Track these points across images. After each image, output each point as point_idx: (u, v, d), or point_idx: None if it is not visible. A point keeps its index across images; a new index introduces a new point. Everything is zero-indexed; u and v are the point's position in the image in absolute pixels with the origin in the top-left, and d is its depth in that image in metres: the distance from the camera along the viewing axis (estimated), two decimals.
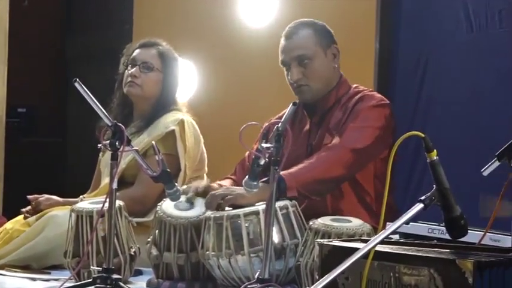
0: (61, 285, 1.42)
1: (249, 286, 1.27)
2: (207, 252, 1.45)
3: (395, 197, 1.66)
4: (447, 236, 1.17)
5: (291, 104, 1.32)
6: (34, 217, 1.79)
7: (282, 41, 1.65)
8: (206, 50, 2.53)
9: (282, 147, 1.27)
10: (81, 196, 1.88)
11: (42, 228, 1.74)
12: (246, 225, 1.42)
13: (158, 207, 1.55)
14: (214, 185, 1.62)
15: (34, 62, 3.22)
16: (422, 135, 1.11)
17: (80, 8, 3.39)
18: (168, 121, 1.85)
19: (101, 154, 1.96)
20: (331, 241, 1.26)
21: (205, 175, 1.91)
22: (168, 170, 1.45)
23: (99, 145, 1.39)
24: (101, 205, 1.39)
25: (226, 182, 1.69)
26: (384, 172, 1.57)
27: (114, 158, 1.35)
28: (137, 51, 1.90)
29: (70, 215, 1.58)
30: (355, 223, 1.42)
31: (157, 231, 1.54)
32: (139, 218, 1.73)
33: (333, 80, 1.66)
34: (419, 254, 1.12)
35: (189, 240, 1.50)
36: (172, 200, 1.51)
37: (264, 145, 1.28)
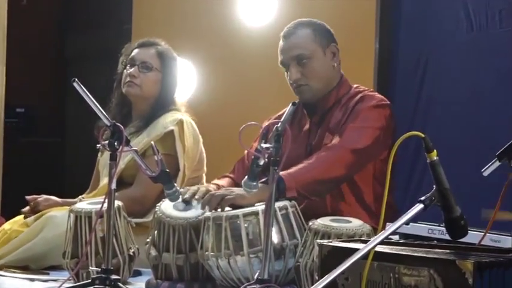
0: (60, 286, 1.42)
1: (248, 287, 1.26)
2: (206, 253, 1.45)
3: (395, 197, 1.66)
4: (447, 237, 1.17)
5: (291, 104, 1.31)
6: (33, 217, 1.79)
7: (281, 42, 1.65)
8: (205, 50, 2.53)
9: (282, 148, 1.27)
10: (79, 196, 1.87)
11: (41, 228, 1.74)
12: (246, 225, 1.42)
13: (157, 207, 1.55)
14: (213, 187, 1.60)
15: (33, 62, 3.22)
16: (423, 135, 1.11)
17: (79, 8, 3.38)
18: (167, 121, 1.84)
19: (99, 154, 1.95)
20: (330, 242, 1.26)
21: (204, 175, 1.91)
22: (167, 170, 1.44)
23: (98, 145, 1.38)
24: (100, 205, 1.38)
25: (224, 181, 1.69)
26: (383, 173, 1.57)
27: (113, 158, 1.35)
28: (136, 51, 1.90)
29: (69, 216, 1.57)
30: (354, 223, 1.42)
31: (156, 231, 1.53)
32: (138, 219, 1.72)
33: (333, 80, 1.65)
34: (419, 254, 1.11)
35: (188, 241, 1.50)
36: (172, 200, 1.50)
37: (264, 145, 1.27)
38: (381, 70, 2.13)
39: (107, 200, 1.35)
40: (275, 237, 1.40)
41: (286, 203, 1.46)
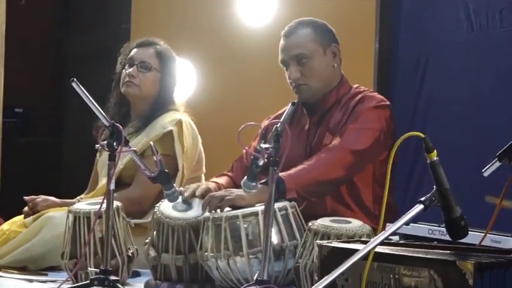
0: (58, 287, 1.41)
1: None
2: (206, 254, 1.44)
3: (395, 198, 1.65)
4: (447, 237, 1.17)
5: (290, 104, 1.31)
6: (31, 218, 1.78)
7: (281, 40, 1.64)
8: (204, 50, 2.52)
9: (281, 148, 1.26)
10: (78, 197, 1.87)
11: (39, 229, 1.73)
12: (245, 226, 1.41)
13: (156, 208, 1.54)
14: (212, 185, 1.60)
15: (31, 62, 3.21)
16: (423, 135, 1.11)
17: (77, 7, 3.38)
18: (165, 121, 1.84)
19: (98, 154, 1.95)
20: (330, 242, 1.26)
21: (203, 175, 1.90)
22: (166, 170, 1.43)
23: (97, 145, 1.37)
24: (99, 206, 1.37)
25: (223, 179, 1.68)
26: (383, 173, 1.57)
27: (112, 158, 1.34)
28: (135, 50, 1.89)
29: (67, 216, 1.57)
30: (354, 224, 1.41)
31: (155, 232, 1.53)
32: (137, 219, 1.72)
33: (333, 80, 1.65)
34: (419, 255, 1.11)
35: (187, 242, 1.49)
36: (171, 201, 1.50)
37: (263, 145, 1.27)
38: (381, 70, 2.13)
39: (105, 201, 1.34)
40: (275, 238, 1.39)
41: (285, 203, 1.45)
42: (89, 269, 1.46)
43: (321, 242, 1.27)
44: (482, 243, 1.20)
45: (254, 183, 1.33)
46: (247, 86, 2.46)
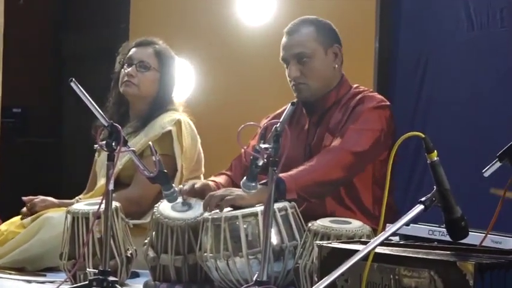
0: None
1: None
2: (205, 254, 1.44)
3: (395, 198, 1.65)
4: (448, 238, 1.17)
5: (290, 104, 1.31)
6: (29, 219, 1.77)
7: (284, 38, 1.64)
8: (203, 49, 2.52)
9: (281, 148, 1.26)
10: (76, 197, 1.86)
11: (38, 230, 1.73)
12: (245, 226, 1.41)
13: (155, 208, 1.54)
14: (211, 183, 1.59)
15: (29, 62, 3.20)
16: (423, 135, 1.10)
17: (76, 7, 3.37)
18: (164, 121, 1.83)
19: (96, 154, 1.94)
20: (330, 243, 1.25)
21: (202, 176, 1.89)
22: (165, 170, 1.43)
23: (95, 146, 1.37)
24: (97, 206, 1.37)
25: (221, 179, 1.68)
26: (383, 174, 1.57)
27: (111, 158, 1.34)
28: (134, 50, 1.89)
29: (66, 217, 1.56)
30: (354, 225, 1.41)
31: (154, 232, 1.52)
32: (136, 220, 1.71)
33: (333, 80, 1.65)
34: (420, 256, 1.11)
35: (186, 242, 1.49)
36: (170, 201, 1.49)
37: (262, 146, 1.26)
38: (381, 70, 2.12)
39: (104, 201, 1.34)
40: (274, 239, 1.39)
41: (285, 204, 1.45)
42: (87, 269, 1.45)
43: (321, 242, 1.26)
44: (483, 244, 1.19)
45: (254, 184, 1.32)
46: (247, 86, 2.46)
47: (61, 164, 3.31)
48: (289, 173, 1.48)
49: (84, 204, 1.60)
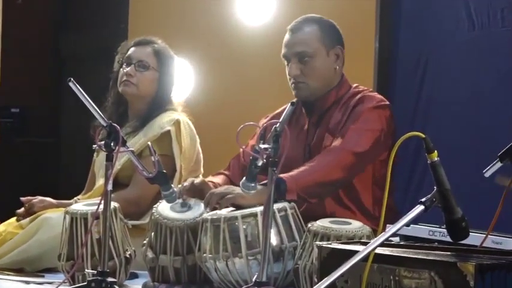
0: None
1: None
2: (204, 255, 1.43)
3: (395, 199, 1.65)
4: (448, 239, 1.16)
5: (289, 104, 1.30)
6: (27, 219, 1.77)
7: (287, 35, 1.63)
8: (203, 49, 2.51)
9: (280, 148, 1.25)
10: (75, 198, 1.85)
11: (36, 230, 1.72)
12: (244, 227, 1.40)
13: (154, 209, 1.53)
14: (210, 182, 1.59)
15: (28, 62, 3.20)
16: (423, 135, 1.10)
17: (74, 7, 3.36)
18: (163, 121, 1.83)
19: (95, 154, 1.93)
20: (330, 243, 1.25)
21: (201, 176, 1.89)
22: (164, 171, 1.42)
23: (94, 146, 1.36)
24: (96, 207, 1.36)
25: (219, 178, 1.67)
26: (383, 175, 1.56)
27: (109, 159, 1.33)
28: (132, 49, 1.88)
29: (64, 217, 1.55)
30: (354, 225, 1.40)
31: (153, 233, 1.52)
32: (135, 221, 1.71)
33: (332, 80, 1.64)
34: (420, 256, 1.10)
35: (185, 243, 1.48)
36: (169, 201, 1.48)
37: (262, 146, 1.26)
38: (381, 70, 2.12)
39: (103, 202, 1.33)
40: (274, 239, 1.39)
41: (285, 204, 1.44)
42: (86, 270, 1.45)
43: (321, 243, 1.26)
44: (484, 245, 1.19)
45: (253, 184, 1.32)
46: (246, 86, 2.45)
47: (59, 164, 3.31)
48: (290, 173, 1.48)
49: (82, 204, 1.60)
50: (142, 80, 1.85)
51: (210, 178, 1.70)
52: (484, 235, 1.20)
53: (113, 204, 1.50)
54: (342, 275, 1.00)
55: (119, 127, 1.35)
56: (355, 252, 1.01)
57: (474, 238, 1.19)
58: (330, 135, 1.60)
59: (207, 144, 1.95)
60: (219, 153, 2.01)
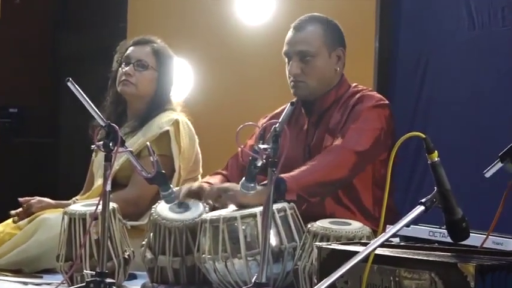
0: None
1: None
2: (203, 256, 1.43)
3: (395, 199, 1.64)
4: (448, 239, 1.16)
5: (289, 103, 1.29)
6: (26, 220, 1.76)
7: (290, 32, 1.62)
8: (202, 49, 2.51)
9: (280, 148, 1.24)
10: (73, 198, 1.85)
11: (34, 231, 1.71)
12: (243, 227, 1.40)
13: (153, 209, 1.53)
14: (206, 186, 1.59)
15: (27, 62, 3.19)
16: (423, 135, 1.09)
17: (73, 6, 3.35)
18: (162, 121, 1.82)
19: (93, 155, 1.93)
20: (329, 244, 1.24)
21: (199, 176, 1.88)
22: (163, 171, 1.42)
23: (93, 146, 1.35)
24: (94, 207, 1.36)
25: (217, 178, 1.67)
26: (383, 175, 1.56)
27: (108, 159, 1.32)
28: (131, 48, 1.87)
29: (63, 218, 1.55)
30: (354, 226, 1.40)
31: (151, 234, 1.51)
32: (134, 222, 1.70)
33: (332, 81, 1.64)
34: (420, 257, 1.10)
35: (184, 244, 1.48)
36: (167, 202, 1.48)
37: (261, 146, 1.25)
38: (381, 70, 2.12)
39: (101, 202, 1.32)
40: (273, 240, 1.38)
41: (284, 205, 1.44)
42: (84, 271, 1.44)
43: (320, 244, 1.25)
44: (484, 245, 1.18)
45: (252, 185, 1.31)
46: (246, 86, 2.44)
47: (58, 165, 3.30)
48: (291, 173, 1.48)
49: (81, 205, 1.59)
50: (141, 80, 1.84)
51: (207, 178, 1.69)
52: (485, 236, 1.19)
53: (112, 205, 1.49)
54: (341, 276, 0.99)
55: (117, 127, 1.34)
56: (355, 253, 1.01)
57: (474, 239, 1.19)
58: (329, 136, 1.59)
59: (206, 145, 1.95)
60: (218, 153, 2.00)
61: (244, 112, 2.11)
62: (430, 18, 2.03)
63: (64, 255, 1.52)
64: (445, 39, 1.99)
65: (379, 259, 1.09)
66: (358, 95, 1.61)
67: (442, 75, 2.00)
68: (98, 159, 1.88)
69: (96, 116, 1.36)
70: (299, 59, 1.59)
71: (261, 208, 1.38)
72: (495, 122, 1.83)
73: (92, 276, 1.34)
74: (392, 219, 1.22)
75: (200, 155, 1.90)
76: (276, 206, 1.40)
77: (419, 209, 1.07)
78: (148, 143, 1.48)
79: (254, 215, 1.41)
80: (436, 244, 1.26)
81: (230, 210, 1.46)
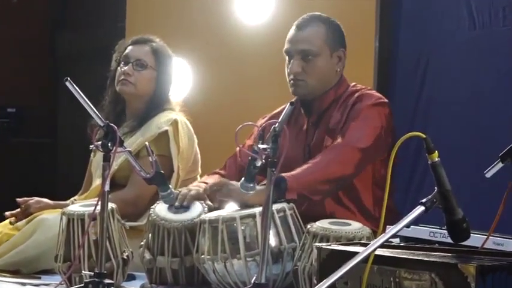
0: None
1: None
2: (202, 256, 1.42)
3: (395, 200, 1.64)
4: (449, 240, 1.15)
5: (288, 103, 1.29)
6: (24, 221, 1.75)
7: (292, 30, 1.62)
8: (201, 49, 2.50)
9: (279, 148, 1.24)
10: (72, 199, 1.84)
11: (32, 231, 1.71)
12: (242, 228, 1.40)
13: (151, 210, 1.52)
14: (203, 192, 1.57)
15: (25, 61, 3.18)
16: (424, 136, 1.09)
17: (72, 6, 3.34)
18: (161, 121, 1.81)
19: (92, 155, 1.92)
20: (329, 245, 1.24)
21: (198, 177, 1.88)
22: (162, 171, 1.41)
23: (91, 146, 1.35)
24: (93, 208, 1.35)
25: (215, 178, 1.67)
26: (383, 175, 1.56)
27: (107, 159, 1.32)
28: (130, 48, 1.87)
29: (61, 218, 1.54)
30: (354, 226, 1.40)
31: (150, 234, 1.51)
32: (133, 222, 1.69)
33: (332, 81, 1.64)
34: (420, 258, 1.10)
35: (183, 244, 1.47)
36: (166, 202, 1.47)
37: (261, 146, 1.25)
38: (381, 70, 2.11)
39: (100, 202, 1.32)
40: (273, 240, 1.38)
41: (283, 205, 1.44)
42: (83, 272, 1.43)
43: (320, 244, 1.25)
44: (485, 246, 1.18)
45: (252, 185, 1.31)
46: (245, 86, 2.44)
47: (56, 165, 3.29)
48: (292, 172, 1.47)
49: (79, 205, 1.58)
50: (140, 79, 1.84)
51: (205, 178, 1.69)
52: (485, 236, 1.19)
53: (110, 205, 1.49)
54: (341, 277, 0.99)
55: (116, 127, 1.33)
56: (355, 253, 1.01)
57: (475, 239, 1.18)
58: (330, 136, 1.59)
59: (205, 145, 1.94)
60: (217, 153, 1.99)
61: (244, 112, 2.10)
62: (430, 18, 2.03)
63: (62, 255, 1.52)
64: (445, 39, 1.98)
65: (379, 260, 1.08)
66: (357, 94, 1.61)
67: (442, 75, 2.00)
68: (97, 159, 1.87)
69: (94, 115, 1.35)
70: (301, 58, 1.59)
71: (260, 208, 1.37)
72: (495, 122, 1.83)
73: (90, 277, 1.33)
74: (392, 220, 1.21)
75: (199, 155, 1.89)
76: (275, 207, 1.39)
77: (420, 209, 1.06)
78: (147, 143, 1.47)
79: (253, 216, 1.40)
80: (437, 245, 1.26)
81: (229, 210, 1.45)
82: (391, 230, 1.04)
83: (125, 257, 1.54)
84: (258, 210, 1.40)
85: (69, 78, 1.33)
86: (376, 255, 1.06)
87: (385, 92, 1.88)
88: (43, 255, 1.67)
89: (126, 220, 1.61)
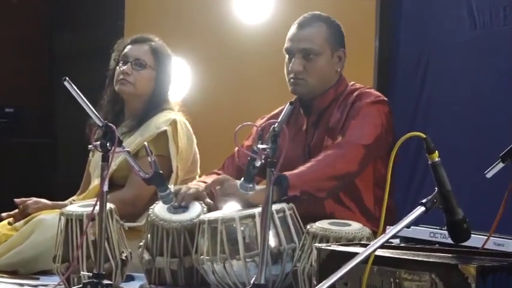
0: None
1: None
2: (201, 257, 1.42)
3: (395, 200, 1.64)
4: (449, 240, 1.15)
5: (288, 103, 1.28)
6: (22, 221, 1.75)
7: (293, 29, 1.62)
8: (200, 48, 2.50)
9: (279, 148, 1.23)
10: (70, 199, 1.84)
11: (31, 232, 1.70)
12: (242, 229, 1.39)
13: (150, 210, 1.52)
14: (203, 191, 1.57)
15: (23, 61, 3.17)
16: (424, 136, 1.09)
17: (70, 5, 3.34)
18: (160, 121, 1.81)
19: (90, 155, 1.91)
20: (329, 245, 1.24)
21: (197, 177, 1.87)
22: (161, 171, 1.40)
23: (90, 146, 1.34)
24: (91, 208, 1.34)
25: (213, 178, 1.66)
26: (383, 175, 1.55)
27: (105, 159, 1.31)
28: (129, 47, 1.86)
29: (59, 219, 1.53)
30: (354, 227, 1.39)
31: (149, 235, 1.50)
32: (131, 223, 1.69)
33: (331, 80, 1.64)
34: (421, 258, 1.10)
35: (182, 245, 1.47)
36: (165, 203, 1.47)
37: (260, 146, 1.24)
38: (381, 70, 2.11)
39: (98, 203, 1.31)
40: (272, 241, 1.37)
41: (283, 205, 1.43)
42: (81, 272, 1.43)
43: (320, 245, 1.25)
44: (485, 246, 1.18)
45: (251, 185, 1.30)
46: (244, 86, 2.43)
47: (55, 165, 3.29)
48: (294, 171, 1.47)
49: (78, 206, 1.58)
50: (139, 79, 1.83)
51: (203, 178, 1.69)
52: (486, 237, 1.18)
53: (109, 206, 1.48)
54: (341, 278, 0.98)
55: (115, 127, 1.33)
56: (355, 254, 1.00)
57: (475, 240, 1.18)
58: (330, 135, 1.59)
59: (204, 145, 1.94)
60: (216, 153, 1.99)
61: (243, 112, 2.10)
62: (430, 18, 2.02)
63: (61, 256, 1.51)
64: (446, 39, 1.98)
65: (379, 260, 1.08)
66: (356, 93, 1.61)
67: (443, 75, 1.99)
68: (95, 159, 1.87)
69: (93, 115, 1.34)
70: (302, 56, 1.58)
71: (259, 209, 1.37)
72: (495, 122, 1.83)
73: (89, 277, 1.32)
74: (392, 220, 1.21)
75: (198, 155, 1.89)
76: (274, 207, 1.39)
77: (420, 209, 1.06)
78: (146, 143, 1.46)
79: (253, 216, 1.40)
80: (437, 245, 1.26)
81: (229, 211, 1.44)
82: (391, 230, 1.04)
83: (124, 258, 1.53)
84: (257, 210, 1.40)
85: (67, 78, 1.32)
86: (376, 255, 1.06)
87: (385, 92, 1.88)
88: (41, 256, 1.67)
89: (125, 220, 1.60)
